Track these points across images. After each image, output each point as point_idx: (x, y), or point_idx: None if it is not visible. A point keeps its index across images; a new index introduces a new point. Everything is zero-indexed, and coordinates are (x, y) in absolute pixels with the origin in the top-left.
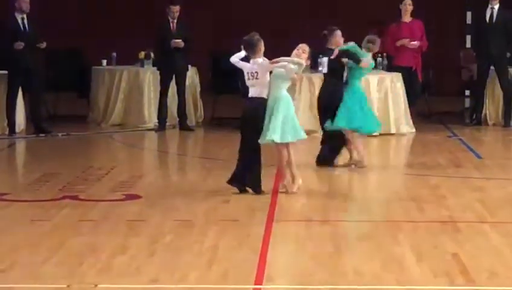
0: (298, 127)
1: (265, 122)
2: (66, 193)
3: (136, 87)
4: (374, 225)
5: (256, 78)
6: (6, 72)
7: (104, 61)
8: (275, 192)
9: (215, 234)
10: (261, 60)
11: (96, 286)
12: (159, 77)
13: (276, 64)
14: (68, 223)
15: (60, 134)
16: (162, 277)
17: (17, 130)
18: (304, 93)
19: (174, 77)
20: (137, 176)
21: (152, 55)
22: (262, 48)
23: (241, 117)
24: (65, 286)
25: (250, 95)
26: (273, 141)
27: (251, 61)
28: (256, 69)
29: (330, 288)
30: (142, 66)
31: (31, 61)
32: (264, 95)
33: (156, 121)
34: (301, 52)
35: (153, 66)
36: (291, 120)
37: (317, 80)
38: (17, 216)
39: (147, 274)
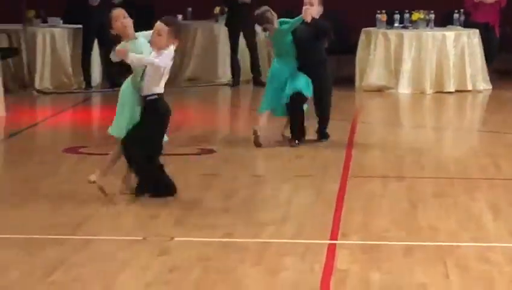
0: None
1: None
2: None
3: (211, 43)
4: (450, 182)
5: None
6: (81, 27)
7: (180, 16)
8: (350, 147)
9: (289, 190)
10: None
11: (172, 238)
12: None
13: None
14: None
15: None
16: (236, 232)
17: (93, 84)
18: (379, 49)
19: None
20: (212, 131)
21: (226, 10)
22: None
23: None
24: (141, 238)
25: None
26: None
27: None
28: None
29: (405, 245)
30: (217, 21)
31: (106, 17)
32: None
33: (230, 76)
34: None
35: (225, 26)
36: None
37: (393, 36)
38: (93, 170)
39: (221, 228)
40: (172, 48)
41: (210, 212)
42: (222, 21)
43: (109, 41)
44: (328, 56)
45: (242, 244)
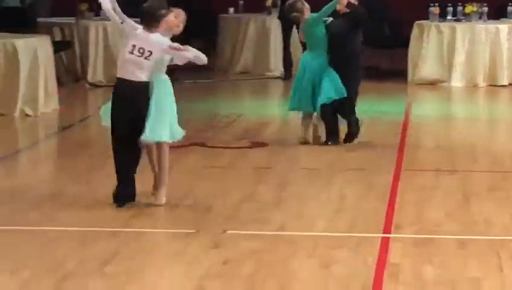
0: None
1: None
2: (193, 139)
3: (263, 36)
4: (503, 176)
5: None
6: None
7: (231, 9)
8: (402, 140)
9: (342, 183)
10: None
11: (224, 231)
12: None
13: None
14: (196, 170)
15: (186, 81)
16: (289, 225)
17: None
18: (432, 42)
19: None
20: (264, 124)
21: (279, 3)
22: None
23: None
24: (194, 231)
25: None
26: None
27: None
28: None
29: (458, 238)
30: (269, 14)
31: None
32: None
33: (282, 69)
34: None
35: (278, 18)
36: None
37: (446, 29)
38: (146, 162)
39: (274, 221)
40: None
41: (262, 206)
42: (275, 14)
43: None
44: (381, 50)
45: (294, 237)
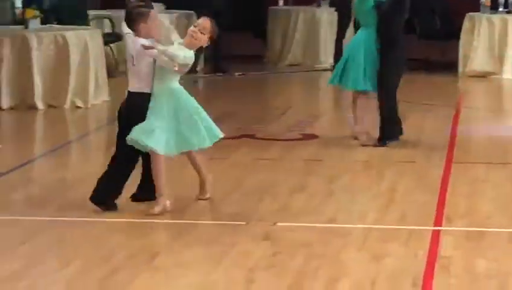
0: None
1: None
2: (243, 131)
3: (312, 28)
4: None
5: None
6: (186, 12)
7: (281, 2)
8: (453, 133)
9: (392, 175)
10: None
11: (274, 224)
12: (336, 18)
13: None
14: (246, 162)
15: (236, 73)
16: (340, 217)
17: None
18: (483, 34)
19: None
20: (314, 116)
21: None
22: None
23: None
24: (244, 223)
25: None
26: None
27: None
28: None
29: (509, 232)
30: (319, 6)
31: (221, 3)
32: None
33: (332, 61)
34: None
35: (330, 6)
36: None
37: (497, 20)
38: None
39: (324, 213)
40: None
41: (313, 198)
42: (325, 6)
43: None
44: (432, 41)
45: (345, 229)
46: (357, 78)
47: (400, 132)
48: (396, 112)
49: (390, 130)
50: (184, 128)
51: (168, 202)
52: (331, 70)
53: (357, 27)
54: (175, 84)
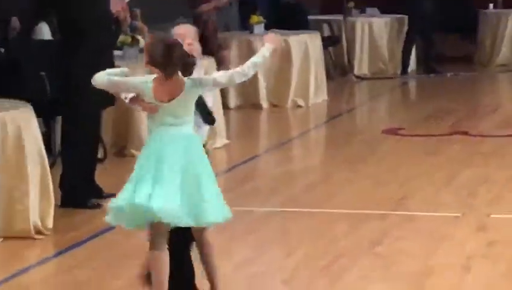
0: None
1: None
2: (455, 128)
3: None
4: None
5: None
6: (400, 16)
7: (491, 5)
8: None
9: None
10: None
11: (488, 215)
12: None
13: None
14: (459, 157)
15: (448, 74)
16: None
17: (408, 70)
18: None
19: None
20: None
21: None
22: None
23: None
24: (459, 214)
25: None
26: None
27: None
28: None
29: None
30: None
31: (431, 7)
32: None
33: None
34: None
35: None
36: None
37: None
38: (412, 149)
39: None
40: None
41: None
42: None
43: (428, 30)
44: None
45: None
46: None
47: None
48: None
49: None
50: None
51: None
52: None
53: None
54: None
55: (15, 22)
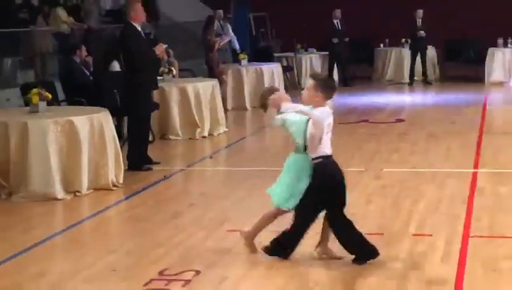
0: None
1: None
2: (360, 118)
3: None
4: None
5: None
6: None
7: (382, 44)
8: None
9: None
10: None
11: (381, 170)
12: None
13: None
14: (363, 137)
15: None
16: None
17: None
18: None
19: None
20: None
21: None
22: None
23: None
24: (363, 169)
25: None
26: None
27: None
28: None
29: None
30: None
31: None
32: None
33: None
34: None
35: None
36: None
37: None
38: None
39: None
40: (327, 105)
41: None
42: None
43: (344, 62)
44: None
45: None
46: None
47: None
48: None
49: None
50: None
51: None
52: None
53: None
54: None
55: (89, 59)
